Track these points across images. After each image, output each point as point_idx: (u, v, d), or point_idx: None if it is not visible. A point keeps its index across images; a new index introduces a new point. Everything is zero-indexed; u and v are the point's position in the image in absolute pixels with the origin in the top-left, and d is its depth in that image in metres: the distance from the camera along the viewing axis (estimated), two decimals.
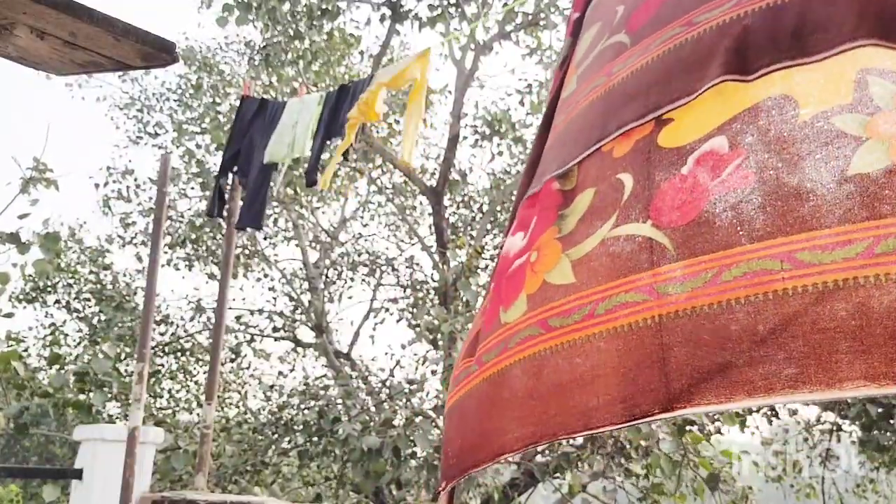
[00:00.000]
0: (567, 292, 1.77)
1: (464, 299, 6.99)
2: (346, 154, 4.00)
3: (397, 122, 9.59)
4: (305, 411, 7.30)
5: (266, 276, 10.59)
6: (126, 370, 7.39)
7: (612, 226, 1.75)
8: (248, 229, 4.50)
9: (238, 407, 10.06)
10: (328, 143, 4.19)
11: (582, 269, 1.77)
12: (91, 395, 5.69)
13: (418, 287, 9.83)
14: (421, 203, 10.62)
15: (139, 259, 10.71)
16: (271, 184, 4.33)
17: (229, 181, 4.43)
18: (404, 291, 10.30)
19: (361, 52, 10.13)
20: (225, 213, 4.44)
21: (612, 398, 1.64)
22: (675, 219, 1.64)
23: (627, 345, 1.63)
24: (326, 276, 10.48)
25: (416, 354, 11.08)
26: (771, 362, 1.46)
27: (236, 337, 10.11)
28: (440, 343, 7.19)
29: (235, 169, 4.39)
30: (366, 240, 11.05)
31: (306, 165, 4.70)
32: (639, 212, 1.72)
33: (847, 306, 1.42)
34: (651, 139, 1.80)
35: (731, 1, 1.76)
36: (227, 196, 4.40)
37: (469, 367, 2.01)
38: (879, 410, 6.38)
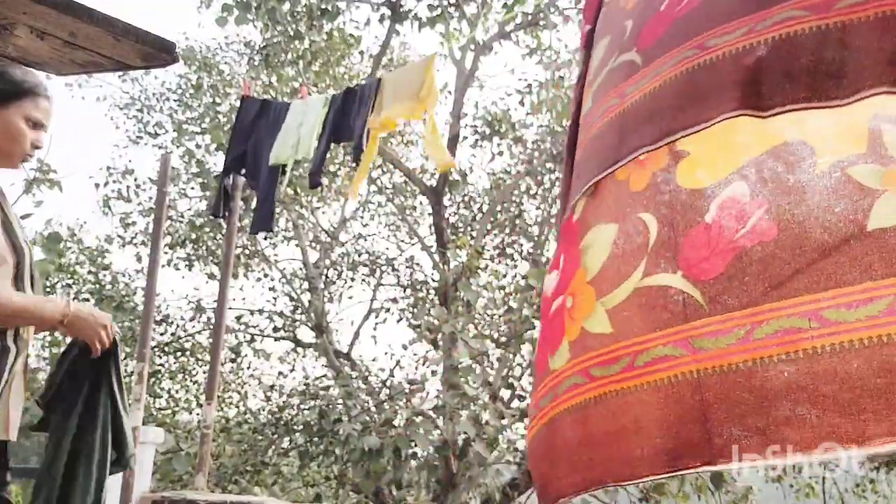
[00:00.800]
0: (606, 342, 1.83)
1: (464, 299, 6.98)
2: (360, 156, 3.98)
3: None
4: (306, 411, 7.30)
5: (266, 276, 10.59)
6: (126, 370, 7.37)
7: (643, 274, 1.80)
8: (260, 231, 4.50)
9: (238, 407, 10.06)
10: (333, 145, 4.19)
11: (618, 319, 1.82)
12: None
13: (418, 287, 9.83)
14: (421, 203, 10.62)
15: (139, 259, 10.70)
16: (281, 186, 4.33)
17: (230, 181, 4.43)
18: (404, 291, 10.30)
19: (361, 52, 10.13)
20: (226, 214, 4.43)
21: (657, 450, 1.70)
22: (705, 271, 1.69)
23: (668, 399, 1.70)
24: (326, 276, 10.48)
25: (416, 354, 11.07)
26: (805, 421, 1.51)
27: (236, 337, 10.10)
28: (440, 343, 7.19)
29: (244, 171, 4.39)
30: (366, 240, 11.05)
31: (307, 166, 4.70)
32: (668, 261, 1.77)
33: (872, 365, 1.47)
34: (669, 174, 1.84)
35: (743, 27, 1.77)
36: (231, 196, 4.40)
37: (532, 409, 2.10)
38: None
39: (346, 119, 4.03)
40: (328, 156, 4.23)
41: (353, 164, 4.01)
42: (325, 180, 9.36)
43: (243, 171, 4.40)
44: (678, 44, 1.92)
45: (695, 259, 1.72)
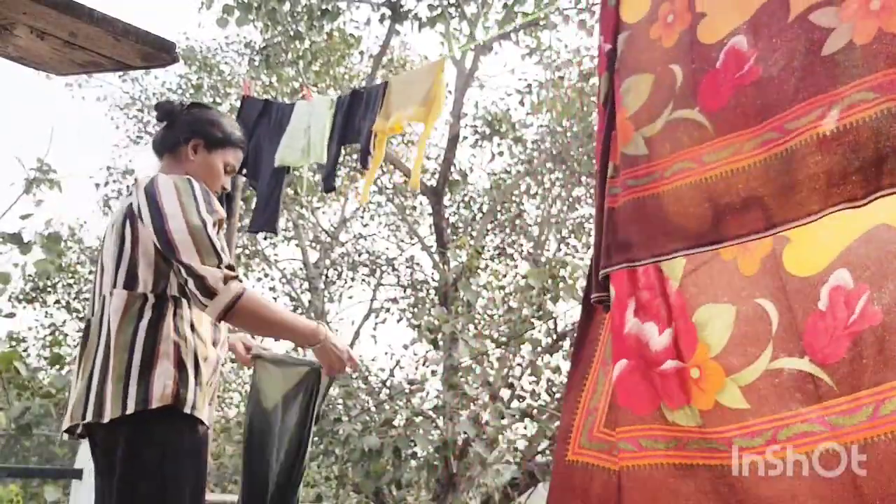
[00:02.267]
0: (743, 416, 1.99)
1: (464, 299, 6.98)
2: (368, 161, 3.97)
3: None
4: None
5: (266, 275, 10.59)
6: None
7: (771, 358, 1.97)
8: (262, 231, 4.50)
9: (238, 407, 10.06)
10: (344, 148, 4.19)
11: (753, 396, 1.98)
12: None
13: (418, 287, 9.83)
14: (421, 203, 10.62)
15: None
16: (286, 187, 4.33)
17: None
18: (404, 291, 10.30)
19: (361, 53, 10.13)
20: (227, 214, 4.43)
21: None
22: (829, 356, 1.87)
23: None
24: (326, 276, 10.48)
25: (416, 354, 11.08)
26: None
27: None
28: (441, 343, 7.19)
29: (245, 171, 4.39)
30: (366, 240, 11.05)
31: (307, 167, 4.70)
32: (793, 346, 1.95)
33: None
34: (777, 261, 2.01)
35: (816, 110, 1.87)
36: (232, 196, 4.40)
37: (617, 443, 2.19)
38: None
39: (353, 121, 4.03)
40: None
41: (362, 169, 3.99)
42: None
43: (244, 171, 4.40)
44: (753, 119, 2.01)
45: (818, 345, 1.90)
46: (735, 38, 2.08)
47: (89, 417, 1.80)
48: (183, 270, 1.81)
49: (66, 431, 1.92)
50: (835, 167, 1.82)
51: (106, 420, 1.77)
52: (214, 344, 1.94)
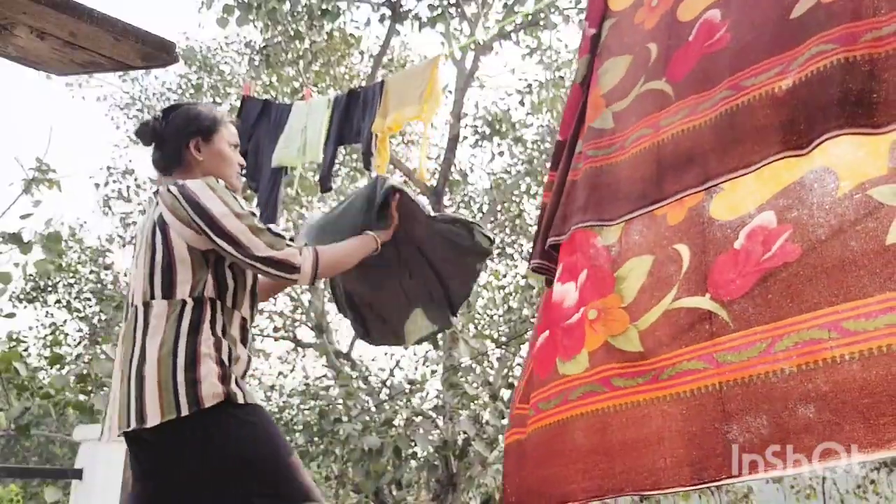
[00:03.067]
0: (633, 358, 1.91)
1: None
2: (370, 162, 3.95)
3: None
4: (306, 411, 7.30)
5: None
6: None
7: (674, 298, 1.89)
8: None
9: None
10: (344, 148, 4.18)
11: (648, 339, 1.91)
12: (92, 396, 5.69)
13: None
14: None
15: None
16: (284, 188, 4.32)
17: None
18: None
19: (361, 53, 10.13)
20: None
21: (679, 461, 1.76)
22: (731, 292, 1.78)
23: (691, 410, 1.77)
24: None
25: (416, 354, 11.07)
26: (825, 428, 1.56)
27: None
28: (440, 343, 7.19)
29: (244, 172, 4.39)
30: None
31: (307, 167, 4.70)
32: (697, 285, 1.86)
33: (892, 371, 1.51)
34: (703, 209, 1.93)
35: (777, 66, 1.84)
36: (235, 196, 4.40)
37: (525, 413, 2.14)
38: None
39: (351, 121, 4.02)
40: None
41: (365, 170, 3.99)
42: None
43: (244, 171, 4.40)
44: (714, 82, 1.98)
45: (722, 281, 1.81)
46: (710, 11, 2.08)
47: (133, 424, 1.82)
48: (259, 263, 1.91)
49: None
50: (784, 118, 1.78)
51: (150, 425, 1.79)
52: (244, 343, 1.99)
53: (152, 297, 1.89)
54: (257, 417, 1.87)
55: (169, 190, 1.96)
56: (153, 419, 1.78)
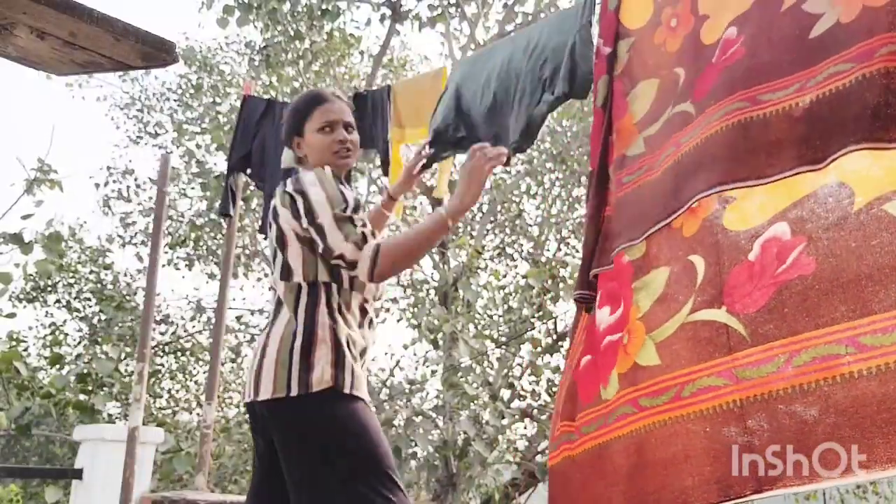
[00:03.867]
0: (654, 374, 1.94)
1: (464, 299, 6.98)
2: (388, 168, 3.97)
3: None
4: None
5: (266, 276, 10.58)
6: (126, 370, 7.39)
7: (690, 310, 1.91)
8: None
9: (238, 407, 10.06)
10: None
11: (665, 352, 1.93)
12: (92, 395, 5.69)
13: (418, 287, 9.82)
14: (421, 203, 10.62)
15: (139, 259, 10.70)
16: None
17: (233, 181, 4.43)
18: (404, 291, 10.29)
19: (361, 53, 10.13)
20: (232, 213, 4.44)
21: (706, 478, 1.78)
22: (747, 305, 1.79)
23: (713, 427, 1.79)
24: None
25: (416, 354, 11.09)
26: (845, 443, 1.58)
27: (236, 337, 10.10)
28: (441, 343, 7.19)
29: (249, 171, 4.39)
30: None
31: None
32: (713, 297, 1.88)
33: None
34: (717, 218, 1.96)
35: (795, 83, 1.85)
36: (236, 196, 4.40)
37: (569, 434, 2.18)
38: None
39: (361, 125, 4.04)
40: None
41: (384, 176, 4.03)
42: None
43: (248, 170, 4.40)
44: (729, 93, 2.00)
45: (738, 294, 1.82)
46: (728, 30, 2.10)
47: (250, 396, 1.95)
48: (332, 258, 1.94)
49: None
50: (799, 134, 1.78)
51: (263, 398, 1.90)
52: (364, 325, 2.05)
53: (280, 279, 2.00)
54: (359, 408, 1.92)
55: (286, 182, 2.07)
56: (265, 393, 1.89)
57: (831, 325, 1.63)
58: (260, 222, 5.56)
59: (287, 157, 4.23)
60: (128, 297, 9.86)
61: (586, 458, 2.08)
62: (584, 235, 2.37)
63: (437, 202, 8.50)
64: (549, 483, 2.23)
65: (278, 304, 2.00)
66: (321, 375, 1.87)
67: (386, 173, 3.94)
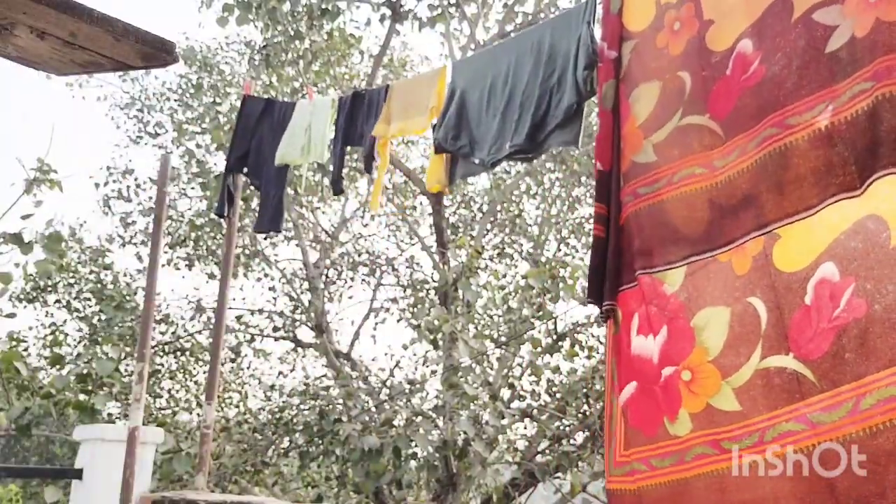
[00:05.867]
0: (733, 419, 2.03)
1: (464, 299, 6.98)
2: (372, 166, 3.95)
3: None
4: (306, 411, 7.30)
5: (266, 276, 10.59)
6: (126, 370, 7.38)
7: (760, 357, 2.01)
8: (267, 231, 4.49)
9: (238, 407, 10.06)
10: (348, 150, 4.18)
11: (744, 398, 2.02)
12: (92, 396, 5.68)
13: (418, 287, 9.82)
14: (421, 203, 10.62)
15: (139, 259, 10.70)
16: (288, 187, 4.32)
17: (232, 181, 4.43)
18: (404, 291, 10.29)
19: (361, 52, 10.12)
20: (230, 213, 4.43)
21: None
22: (811, 351, 1.90)
23: (797, 472, 1.88)
24: (326, 276, 10.47)
25: (416, 355, 11.07)
26: None
27: (236, 337, 10.10)
28: (441, 343, 7.19)
29: (246, 170, 4.39)
30: (366, 240, 11.04)
31: (307, 166, 4.69)
32: (779, 343, 1.97)
33: None
34: (767, 258, 2.03)
35: (818, 105, 1.90)
36: (234, 196, 4.40)
37: (630, 463, 2.27)
38: None
39: (356, 124, 4.03)
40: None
41: (366, 173, 3.99)
42: (326, 181, 9.36)
43: (246, 170, 4.40)
44: (758, 118, 2.03)
45: (802, 340, 1.92)
46: (741, 42, 2.11)
47: None
48: None
49: None
50: (834, 159, 1.84)
51: None
52: None
53: None
54: None
55: None
56: None
57: (890, 367, 1.73)
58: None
59: (282, 155, 4.25)
60: (128, 297, 9.86)
61: (663, 491, 2.16)
62: (595, 241, 2.38)
63: (436, 202, 8.51)
64: None
65: None
66: None
67: (368, 170, 3.92)
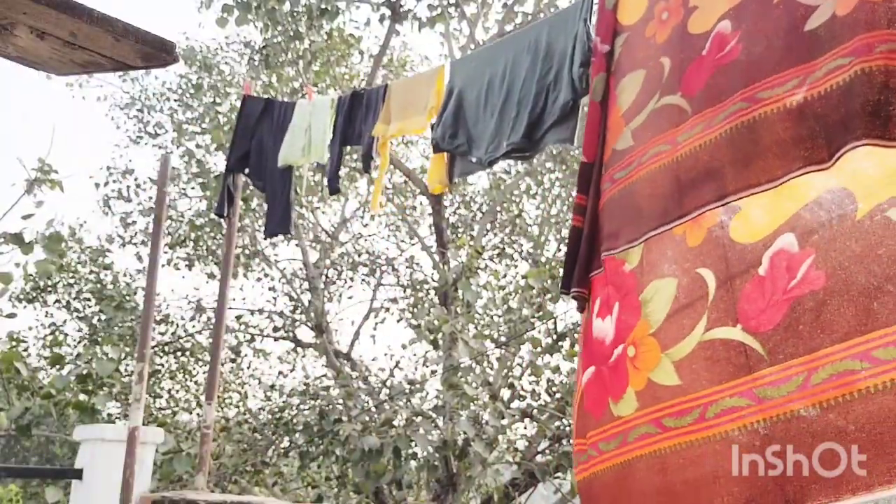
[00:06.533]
0: (675, 394, 1.94)
1: (464, 299, 6.98)
2: (370, 165, 3.95)
3: None
4: (306, 411, 7.30)
5: (266, 276, 10.59)
6: (126, 370, 7.38)
7: (705, 328, 1.90)
8: (276, 234, 4.48)
9: (238, 407, 10.06)
10: (343, 149, 4.18)
11: (685, 372, 1.92)
12: (92, 396, 5.68)
13: (418, 287, 9.82)
14: (421, 203, 10.62)
15: (139, 259, 10.70)
16: (293, 188, 4.31)
17: (232, 181, 4.43)
18: (404, 291, 10.29)
19: (361, 52, 10.13)
20: (230, 213, 4.43)
21: (736, 499, 1.79)
22: (763, 323, 1.79)
23: (740, 449, 1.79)
24: (326, 276, 10.47)
25: (416, 355, 11.08)
26: (865, 459, 1.58)
27: (236, 337, 10.10)
28: (441, 343, 7.19)
29: (247, 171, 4.39)
30: (366, 240, 11.05)
31: (307, 166, 4.70)
32: (727, 314, 1.87)
33: None
34: (723, 230, 1.93)
35: (792, 80, 1.84)
36: (234, 196, 4.40)
37: (586, 451, 2.19)
38: None
39: (354, 124, 4.03)
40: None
41: (364, 172, 3.99)
42: (325, 181, 9.35)
43: (247, 170, 4.40)
44: (729, 94, 1.98)
45: (753, 312, 1.82)
46: (721, 23, 2.07)
47: None
48: None
49: None
50: (803, 132, 1.77)
51: None
52: None
53: None
54: None
55: None
56: None
57: (845, 341, 1.63)
58: (260, 222, 5.55)
59: (284, 156, 4.25)
60: (128, 297, 9.86)
61: (610, 475, 2.08)
62: (572, 231, 2.35)
63: (436, 202, 8.51)
64: (580, 499, 2.24)
65: None
66: None
67: (366, 169, 3.92)
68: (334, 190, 4.19)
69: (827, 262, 1.70)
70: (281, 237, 10.50)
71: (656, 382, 1.97)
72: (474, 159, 3.40)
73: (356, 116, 4.02)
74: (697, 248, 1.96)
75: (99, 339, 9.30)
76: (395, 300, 10.25)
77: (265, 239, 9.15)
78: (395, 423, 6.33)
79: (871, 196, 1.67)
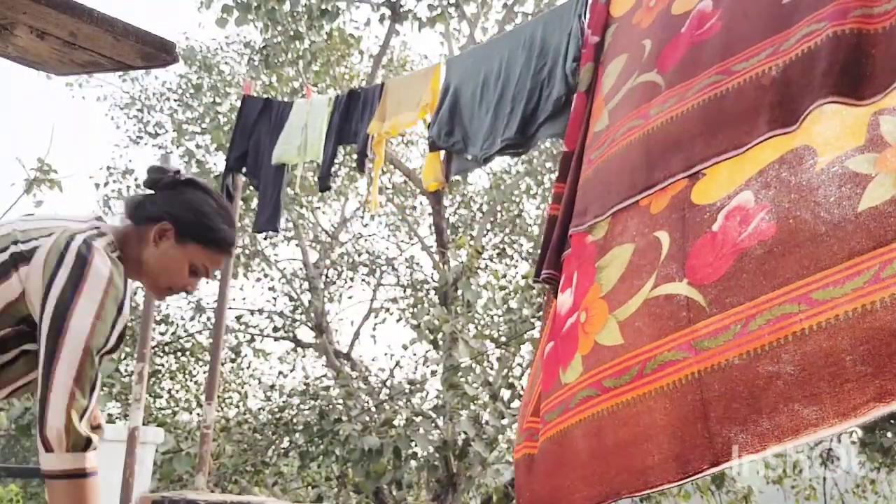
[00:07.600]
0: (617, 353, 1.87)
1: (464, 299, 6.98)
2: (365, 164, 3.95)
3: None
4: (306, 411, 7.30)
5: (266, 276, 10.58)
6: (126, 370, 7.38)
7: (653, 286, 1.85)
8: (265, 231, 4.49)
9: (238, 407, 10.06)
10: (340, 148, 4.19)
11: (628, 330, 1.86)
12: None
13: (418, 287, 9.82)
14: (421, 203, 10.62)
15: None
16: (286, 186, 4.32)
17: (231, 181, 4.43)
18: (404, 291, 10.29)
19: (361, 52, 10.13)
20: None
21: (665, 456, 1.72)
22: (709, 275, 1.74)
23: (673, 403, 1.73)
24: (326, 276, 10.47)
25: (416, 355, 11.09)
26: (794, 403, 1.53)
27: (236, 337, 10.10)
28: (441, 343, 7.19)
29: (244, 170, 4.40)
30: (366, 240, 11.05)
31: (307, 166, 4.70)
32: (675, 270, 1.82)
33: (857, 334, 1.48)
34: (686, 195, 1.90)
35: (766, 50, 1.83)
36: (232, 196, 4.40)
37: (535, 426, 2.11)
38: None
39: (350, 122, 4.03)
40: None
41: (359, 172, 4.00)
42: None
43: (244, 170, 4.41)
44: (703, 67, 1.96)
45: (700, 265, 1.77)
46: (703, 2, 2.07)
47: None
48: (43, 390, 1.49)
49: None
50: (772, 99, 1.74)
51: None
52: None
53: None
54: None
55: (73, 236, 1.55)
56: None
57: (787, 285, 1.58)
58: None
59: (278, 154, 4.25)
60: None
61: (549, 445, 1.99)
62: (548, 220, 2.33)
63: (436, 202, 8.51)
64: (514, 476, 2.14)
65: None
66: None
67: (361, 167, 3.93)
68: (325, 187, 4.20)
69: (779, 213, 1.66)
70: (281, 237, 10.52)
71: (601, 344, 1.91)
72: (470, 157, 3.41)
73: (353, 115, 4.03)
74: (658, 214, 1.92)
75: None
76: (395, 300, 10.25)
77: (253, 234, 9.14)
78: (395, 422, 6.33)
79: (832, 150, 1.64)
